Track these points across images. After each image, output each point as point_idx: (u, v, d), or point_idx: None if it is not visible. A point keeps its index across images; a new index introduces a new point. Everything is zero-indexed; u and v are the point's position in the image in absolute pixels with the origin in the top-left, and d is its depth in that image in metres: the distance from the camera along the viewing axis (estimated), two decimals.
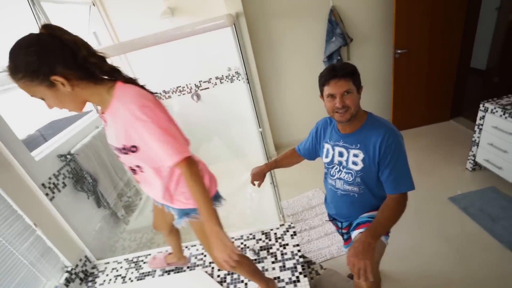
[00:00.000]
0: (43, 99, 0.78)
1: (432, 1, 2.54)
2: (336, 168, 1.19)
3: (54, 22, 2.21)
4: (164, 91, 3.05)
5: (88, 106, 1.23)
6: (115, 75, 0.85)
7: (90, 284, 1.71)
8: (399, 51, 2.74)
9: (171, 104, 3.11)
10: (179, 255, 1.60)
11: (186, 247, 1.79)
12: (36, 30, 0.77)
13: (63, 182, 1.73)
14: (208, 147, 3.37)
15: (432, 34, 2.69)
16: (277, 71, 3.06)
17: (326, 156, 1.23)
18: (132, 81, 0.87)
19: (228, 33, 2.55)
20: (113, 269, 1.76)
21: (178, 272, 1.62)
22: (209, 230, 0.88)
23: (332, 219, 1.37)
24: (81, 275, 1.73)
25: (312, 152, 1.35)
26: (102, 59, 0.82)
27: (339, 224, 1.33)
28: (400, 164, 1.04)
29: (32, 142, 1.71)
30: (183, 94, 3.06)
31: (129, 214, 2.29)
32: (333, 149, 1.19)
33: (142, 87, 0.88)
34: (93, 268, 1.81)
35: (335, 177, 1.21)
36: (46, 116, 3.15)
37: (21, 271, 1.42)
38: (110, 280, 1.69)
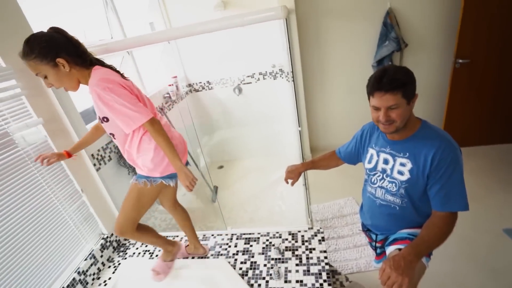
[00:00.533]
0: (45, 77, 1.05)
1: (506, 9, 2.28)
2: (378, 176, 1.12)
3: (120, 9, 2.37)
4: (208, 82, 3.13)
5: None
6: (98, 63, 1.13)
7: (121, 253, 1.82)
8: (460, 61, 2.50)
9: (213, 94, 3.19)
10: (196, 244, 1.64)
11: (212, 235, 1.82)
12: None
13: (109, 156, 1.86)
14: (244, 140, 3.41)
15: (501, 46, 2.42)
16: (322, 72, 2.98)
17: (369, 162, 1.16)
18: (103, 65, 1.14)
19: (277, 29, 2.55)
20: (142, 243, 1.86)
21: (202, 258, 1.65)
22: (176, 167, 1.14)
23: (366, 230, 1.29)
24: (115, 244, 1.86)
25: (354, 156, 1.29)
26: (89, 53, 1.13)
27: (373, 236, 1.25)
28: (455, 180, 0.94)
29: (87, 116, 1.86)
30: (226, 87, 3.12)
31: None
32: (378, 155, 1.12)
33: (111, 69, 1.15)
34: (125, 239, 1.93)
35: (376, 185, 1.14)
36: None
37: (66, 229, 1.55)
38: (139, 253, 1.78)
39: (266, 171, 3.14)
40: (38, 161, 1.26)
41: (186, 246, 1.69)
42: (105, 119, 1.16)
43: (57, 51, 1.02)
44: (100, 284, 1.60)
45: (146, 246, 1.84)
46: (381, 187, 1.11)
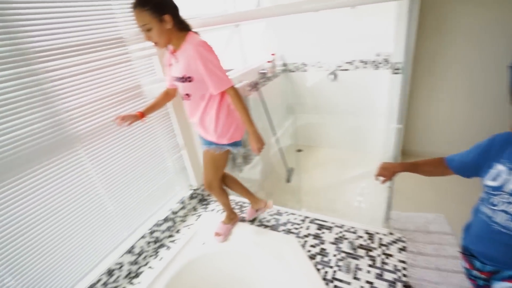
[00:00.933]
0: (149, 30, 1.15)
1: None
2: (504, 198, 0.93)
3: None
4: (304, 64, 3.09)
5: None
6: (188, 29, 1.26)
7: (203, 206, 2.05)
8: None
9: (306, 77, 3.14)
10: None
11: (286, 212, 1.87)
12: None
13: None
14: (328, 129, 3.31)
15: None
16: (436, 66, 2.59)
17: (494, 179, 0.97)
18: (197, 34, 1.28)
19: (391, 14, 2.28)
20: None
21: (272, 230, 1.73)
22: (250, 130, 1.31)
23: (469, 254, 1.12)
24: (200, 197, 2.10)
25: (471, 168, 1.10)
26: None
27: (478, 264, 1.07)
28: None
29: None
30: (321, 71, 3.02)
31: (245, 163, 2.56)
32: (510, 174, 0.93)
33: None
34: (208, 195, 2.16)
35: (497, 208, 0.95)
36: None
37: (166, 176, 1.83)
38: (218, 211, 1.98)
39: (347, 164, 3.00)
40: (116, 121, 1.29)
41: (249, 209, 1.79)
42: (188, 79, 1.26)
43: (166, 8, 1.16)
44: (184, 227, 1.86)
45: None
46: (505, 212, 0.93)
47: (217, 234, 1.67)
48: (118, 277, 1.46)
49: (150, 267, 1.56)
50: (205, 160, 1.51)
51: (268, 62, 2.79)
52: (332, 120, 3.19)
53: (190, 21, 1.29)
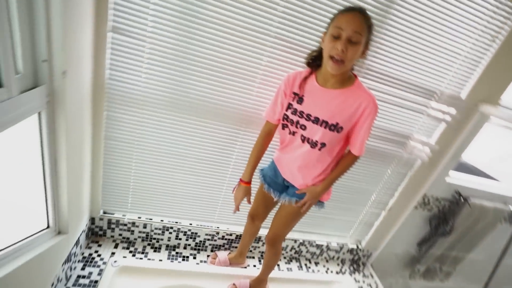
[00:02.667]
0: (354, 43, 0.90)
1: None
2: None
3: None
4: None
5: None
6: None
7: None
8: None
9: None
10: (244, 254, 1.62)
11: None
12: None
13: None
14: None
15: None
16: None
17: None
18: None
19: None
20: None
21: None
22: (326, 187, 1.15)
23: None
24: None
25: None
26: None
27: None
28: None
29: None
30: None
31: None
32: None
33: None
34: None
35: None
36: None
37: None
38: None
39: None
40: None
41: (229, 254, 1.64)
42: (339, 128, 1.02)
43: (370, 38, 0.97)
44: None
45: None
46: None
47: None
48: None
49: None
50: (282, 213, 1.27)
51: None
52: None
53: None
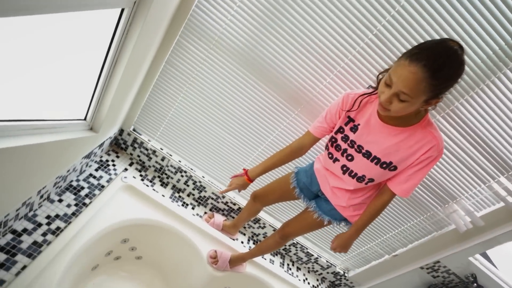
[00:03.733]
0: (403, 101, 0.76)
1: None
2: None
3: None
4: None
5: None
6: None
7: None
8: None
9: None
10: (238, 227, 1.60)
11: None
12: None
13: None
14: None
15: None
16: None
17: None
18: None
19: None
20: None
21: None
22: (357, 233, 1.04)
23: None
24: None
25: None
26: None
27: None
28: None
29: None
30: None
31: None
32: None
33: None
34: None
35: None
36: None
37: None
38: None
39: None
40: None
41: (226, 221, 1.64)
42: (391, 167, 0.92)
43: (446, 91, 0.76)
44: None
45: None
46: None
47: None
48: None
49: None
50: (307, 221, 1.20)
51: None
52: None
53: None
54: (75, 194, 1.21)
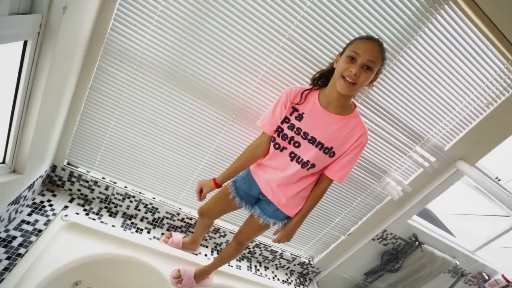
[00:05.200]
0: (368, 69, 0.92)
1: None
2: None
3: None
4: None
5: None
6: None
7: None
8: None
9: None
10: (197, 242, 1.60)
11: None
12: None
13: None
14: None
15: None
16: None
17: None
18: None
19: None
20: None
21: None
22: (299, 222, 1.15)
23: None
24: None
25: None
26: None
27: None
28: None
29: None
30: None
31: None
32: None
33: None
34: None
35: None
36: None
37: None
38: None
39: None
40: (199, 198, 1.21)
41: (184, 238, 1.62)
42: (331, 152, 1.03)
43: (382, 67, 0.99)
44: None
45: None
46: None
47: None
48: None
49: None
50: (255, 225, 1.24)
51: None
52: None
53: None
54: (5, 247, 1.09)
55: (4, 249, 1.08)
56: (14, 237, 1.13)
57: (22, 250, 1.11)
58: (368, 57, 0.90)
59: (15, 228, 1.17)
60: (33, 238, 1.17)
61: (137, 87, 1.25)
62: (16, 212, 1.21)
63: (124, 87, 1.24)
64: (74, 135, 1.34)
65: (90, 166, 1.45)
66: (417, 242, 1.83)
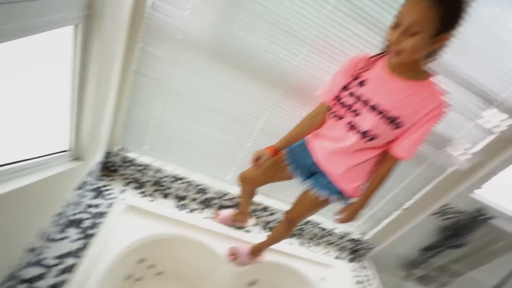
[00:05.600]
0: (414, 34, 0.77)
1: None
2: None
3: None
4: None
5: None
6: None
7: None
8: None
9: None
10: (246, 212, 1.55)
11: None
12: None
13: None
14: None
15: None
16: None
17: None
18: None
19: None
20: None
21: None
22: (365, 202, 1.06)
23: None
24: None
25: None
26: None
27: None
28: None
29: None
30: None
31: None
32: None
33: None
34: None
35: None
36: None
37: None
38: None
39: None
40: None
41: (235, 212, 1.58)
42: (398, 123, 0.90)
43: (457, 24, 0.77)
44: None
45: None
46: None
47: (231, 254, 1.45)
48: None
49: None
50: (307, 201, 1.17)
51: None
52: None
53: None
54: (77, 227, 1.18)
55: (77, 230, 1.16)
56: (84, 219, 1.22)
57: (92, 231, 1.18)
58: (410, 19, 0.74)
59: (83, 211, 1.25)
60: (100, 220, 1.24)
61: (181, 66, 1.22)
62: (82, 196, 1.28)
63: (167, 67, 1.22)
64: (125, 121, 1.36)
65: (140, 151, 1.49)
66: (483, 217, 1.67)
